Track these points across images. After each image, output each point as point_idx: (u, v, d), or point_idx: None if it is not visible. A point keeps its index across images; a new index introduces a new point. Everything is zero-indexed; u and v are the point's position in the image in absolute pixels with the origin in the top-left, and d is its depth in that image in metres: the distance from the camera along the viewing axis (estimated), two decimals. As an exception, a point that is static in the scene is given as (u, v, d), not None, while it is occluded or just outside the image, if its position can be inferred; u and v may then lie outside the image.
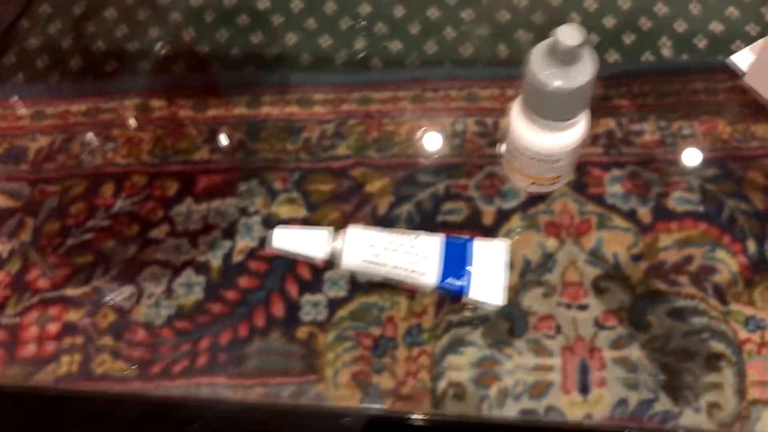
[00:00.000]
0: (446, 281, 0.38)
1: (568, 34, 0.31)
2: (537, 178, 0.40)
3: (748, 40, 0.46)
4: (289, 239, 0.37)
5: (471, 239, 0.37)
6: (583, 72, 0.33)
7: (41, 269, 0.41)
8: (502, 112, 0.44)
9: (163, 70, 0.49)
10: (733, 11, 0.48)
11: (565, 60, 0.32)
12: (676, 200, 0.41)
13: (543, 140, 0.37)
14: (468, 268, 0.39)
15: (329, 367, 0.38)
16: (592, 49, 0.33)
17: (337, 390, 0.37)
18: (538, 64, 0.33)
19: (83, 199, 0.44)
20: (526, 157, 0.38)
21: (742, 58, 0.45)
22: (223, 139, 0.45)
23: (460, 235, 0.38)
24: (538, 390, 0.37)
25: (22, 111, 0.46)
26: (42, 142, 0.46)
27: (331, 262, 0.38)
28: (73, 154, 0.45)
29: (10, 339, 0.40)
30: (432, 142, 0.44)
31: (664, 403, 0.36)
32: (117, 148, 0.45)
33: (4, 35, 0.51)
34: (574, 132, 0.37)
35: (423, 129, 0.45)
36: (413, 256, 0.37)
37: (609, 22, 0.48)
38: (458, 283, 0.39)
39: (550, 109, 0.35)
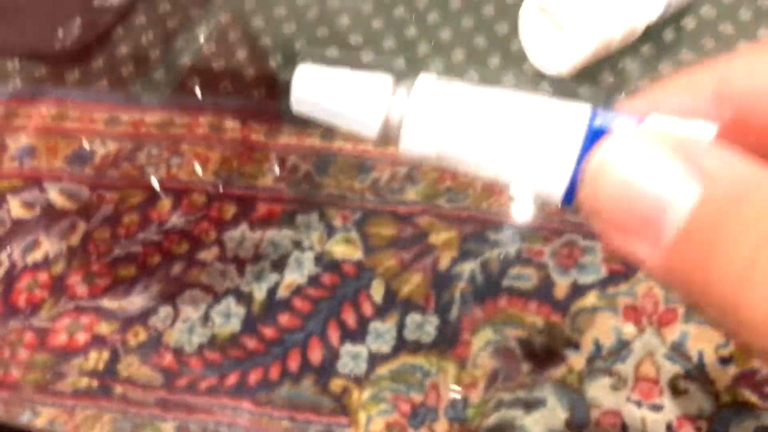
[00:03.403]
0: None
1: None
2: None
3: None
4: (321, 91, 0.16)
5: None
6: None
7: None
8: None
9: (243, 92, 0.47)
10: None
11: None
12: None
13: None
14: None
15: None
16: None
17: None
18: None
19: (139, 211, 0.42)
20: None
21: None
22: (290, 168, 0.43)
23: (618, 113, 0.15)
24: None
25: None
26: (110, 148, 0.45)
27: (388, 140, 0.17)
28: (138, 164, 0.44)
29: (38, 343, 0.38)
30: (510, 199, 0.41)
31: None
32: (183, 163, 0.44)
33: (98, 41, 0.51)
34: None
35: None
36: (526, 156, 0.15)
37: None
38: None
39: None
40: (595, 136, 0.14)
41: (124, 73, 0.49)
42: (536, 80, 0.44)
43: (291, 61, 0.48)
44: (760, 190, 0.11)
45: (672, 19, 0.44)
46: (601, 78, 0.44)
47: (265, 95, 0.47)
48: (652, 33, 0.43)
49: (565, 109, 0.15)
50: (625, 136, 0.13)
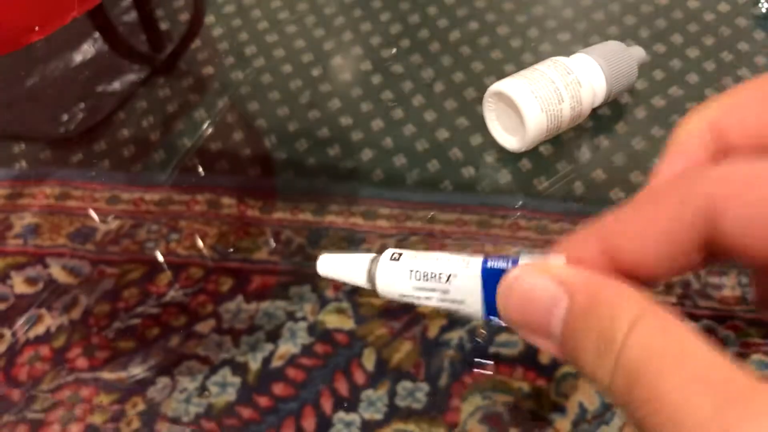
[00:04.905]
0: (492, 318, 0.26)
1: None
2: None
3: None
4: (332, 265, 0.29)
5: (517, 258, 0.23)
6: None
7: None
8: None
9: (239, 171, 0.50)
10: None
11: None
12: (755, 364, 0.38)
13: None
14: None
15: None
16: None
17: None
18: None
19: (138, 285, 0.44)
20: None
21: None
22: (284, 242, 0.45)
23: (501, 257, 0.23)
24: None
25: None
26: (111, 225, 0.47)
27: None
28: (137, 239, 0.46)
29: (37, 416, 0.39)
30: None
31: None
32: (181, 239, 0.46)
33: (100, 124, 0.53)
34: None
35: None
36: (449, 303, 0.26)
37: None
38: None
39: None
40: (489, 273, 0.22)
41: (126, 154, 0.51)
42: (502, 158, 0.47)
43: (285, 141, 0.51)
44: (601, 301, 0.17)
45: (614, 101, 0.48)
46: (568, 149, 0.47)
47: (260, 173, 0.49)
48: (596, 113, 0.46)
49: (466, 259, 0.23)
50: (519, 270, 0.19)
